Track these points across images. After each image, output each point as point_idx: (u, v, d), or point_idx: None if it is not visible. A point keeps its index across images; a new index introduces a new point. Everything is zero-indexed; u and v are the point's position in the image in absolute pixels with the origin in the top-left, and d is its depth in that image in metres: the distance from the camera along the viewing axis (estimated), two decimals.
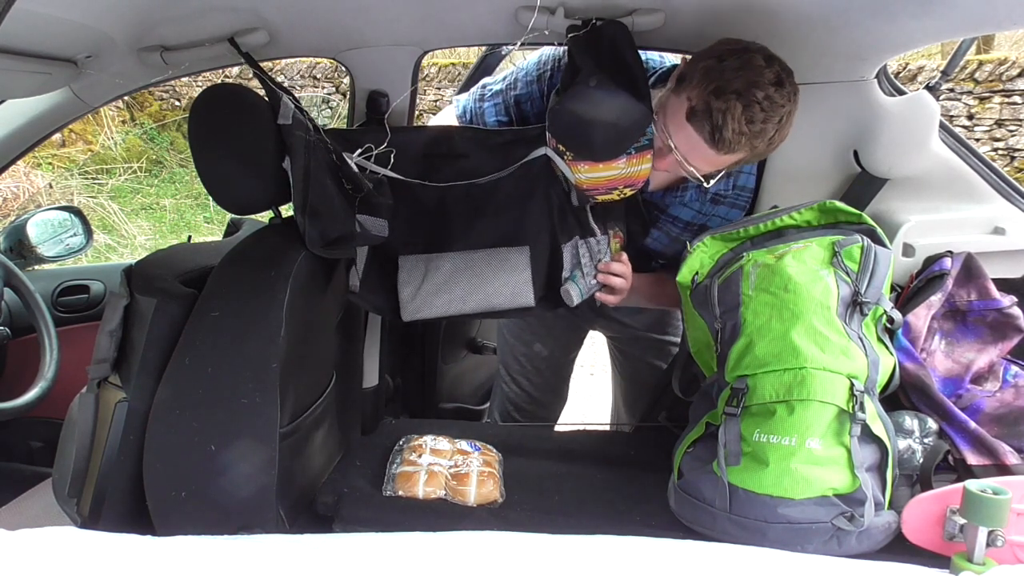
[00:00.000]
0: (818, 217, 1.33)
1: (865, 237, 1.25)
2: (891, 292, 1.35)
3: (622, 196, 1.40)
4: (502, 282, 1.45)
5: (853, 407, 1.13)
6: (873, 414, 1.16)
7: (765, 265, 1.26)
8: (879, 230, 1.28)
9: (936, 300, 1.32)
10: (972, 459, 1.22)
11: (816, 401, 1.13)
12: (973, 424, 1.22)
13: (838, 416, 1.14)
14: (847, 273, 1.22)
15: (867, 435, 1.14)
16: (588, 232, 1.49)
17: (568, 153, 1.34)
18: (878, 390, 1.21)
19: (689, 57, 1.32)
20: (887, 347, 1.24)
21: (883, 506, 1.15)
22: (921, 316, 1.31)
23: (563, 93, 1.28)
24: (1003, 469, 1.20)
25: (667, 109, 1.31)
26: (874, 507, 1.12)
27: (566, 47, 1.34)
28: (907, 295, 1.39)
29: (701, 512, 1.20)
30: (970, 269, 1.34)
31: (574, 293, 1.47)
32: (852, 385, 1.14)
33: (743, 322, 1.23)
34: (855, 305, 1.20)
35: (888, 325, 1.25)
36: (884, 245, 1.26)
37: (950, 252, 1.37)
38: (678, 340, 1.83)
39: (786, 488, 1.12)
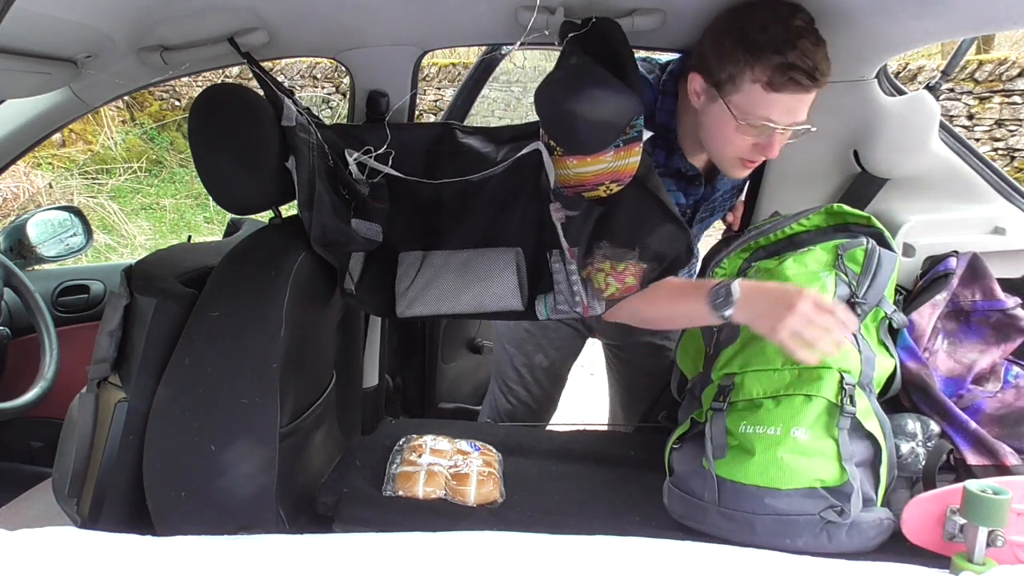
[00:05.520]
0: (825, 219, 1.33)
1: (871, 239, 1.26)
2: (896, 295, 1.35)
3: (608, 192, 1.33)
4: (491, 283, 1.40)
5: (842, 400, 1.14)
6: (867, 410, 1.16)
7: (766, 270, 1.28)
8: (887, 233, 1.29)
9: (941, 299, 1.32)
10: (972, 459, 1.22)
11: (802, 395, 1.15)
12: (974, 424, 1.22)
13: (828, 409, 1.15)
14: (847, 275, 1.23)
15: (858, 430, 1.15)
16: (559, 246, 1.38)
17: (559, 148, 1.29)
18: (877, 390, 1.22)
19: (699, 75, 1.29)
20: (888, 349, 1.24)
21: (874, 503, 1.15)
22: (926, 315, 1.31)
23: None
24: (1003, 470, 1.20)
25: (739, 107, 1.26)
26: (862, 501, 1.12)
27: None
28: (913, 295, 1.39)
29: (692, 506, 1.21)
30: (975, 269, 1.34)
31: (539, 309, 1.39)
32: (842, 379, 1.15)
33: (740, 328, 1.26)
34: (851, 307, 1.20)
35: (891, 327, 1.25)
36: (890, 248, 1.27)
37: (955, 252, 1.37)
38: (674, 344, 1.83)
39: (772, 478, 1.13)
